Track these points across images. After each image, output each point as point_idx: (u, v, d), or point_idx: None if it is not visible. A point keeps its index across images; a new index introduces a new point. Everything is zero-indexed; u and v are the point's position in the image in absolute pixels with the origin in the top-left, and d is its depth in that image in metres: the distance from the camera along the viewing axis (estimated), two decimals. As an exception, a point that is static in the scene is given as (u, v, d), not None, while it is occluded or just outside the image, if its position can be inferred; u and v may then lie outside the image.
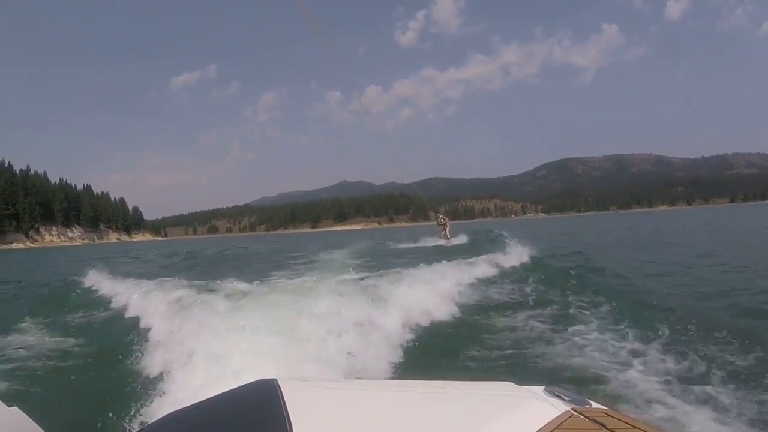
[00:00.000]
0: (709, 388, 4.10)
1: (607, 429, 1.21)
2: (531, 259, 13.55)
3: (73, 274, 13.45)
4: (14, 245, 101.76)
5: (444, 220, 27.07)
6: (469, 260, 12.58)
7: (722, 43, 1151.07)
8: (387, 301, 6.94)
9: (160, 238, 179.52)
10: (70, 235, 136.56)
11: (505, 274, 11.38)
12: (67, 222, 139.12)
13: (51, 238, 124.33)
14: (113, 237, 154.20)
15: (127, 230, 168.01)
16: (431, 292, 7.97)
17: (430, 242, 25.51)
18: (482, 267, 11.76)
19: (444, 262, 11.94)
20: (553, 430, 1.21)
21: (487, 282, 10.31)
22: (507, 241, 16.04)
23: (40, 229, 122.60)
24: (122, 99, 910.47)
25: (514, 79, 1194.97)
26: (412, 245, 24.97)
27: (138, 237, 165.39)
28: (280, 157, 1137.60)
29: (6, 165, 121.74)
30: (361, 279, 9.53)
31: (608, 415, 1.32)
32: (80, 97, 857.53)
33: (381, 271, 10.93)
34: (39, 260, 39.73)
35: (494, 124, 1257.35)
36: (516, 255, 13.91)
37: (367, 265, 14.73)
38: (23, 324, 7.90)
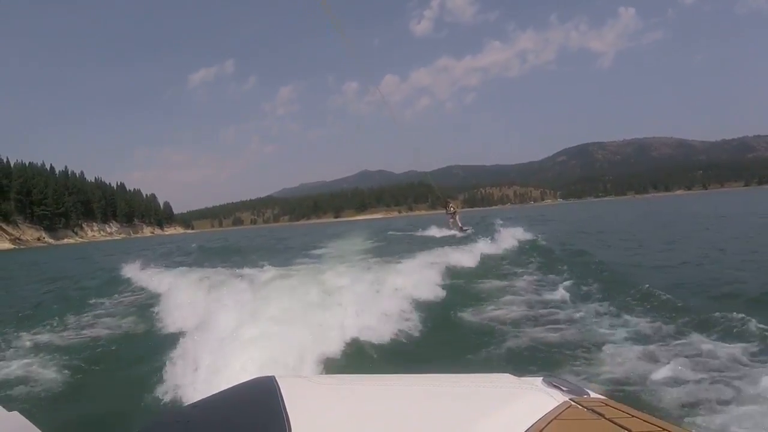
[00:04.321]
0: (709, 377, 4.05)
1: (605, 418, 1.22)
2: (523, 246, 13.87)
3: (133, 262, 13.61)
4: (65, 241, 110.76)
5: (453, 208, 25.96)
6: (459, 248, 12.77)
7: (742, 24, 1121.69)
8: (380, 293, 6.96)
9: (190, 231, 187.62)
10: (109, 230, 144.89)
11: (495, 263, 11.49)
12: (105, 218, 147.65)
13: (93, 233, 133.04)
14: (147, 231, 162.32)
15: (160, 224, 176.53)
16: (423, 283, 8.02)
17: (434, 232, 24.45)
18: (471, 255, 11.76)
19: (435, 250, 12.13)
20: (552, 420, 1.22)
21: (479, 270, 10.42)
22: (499, 229, 16.53)
23: (84, 226, 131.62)
24: (140, 97, 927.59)
25: (531, 66, 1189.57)
26: (413, 234, 24.99)
27: (170, 230, 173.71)
28: (299, 149, 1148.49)
29: (48, 167, 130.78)
30: (355, 269, 9.58)
31: (606, 405, 1.33)
32: (97, 96, 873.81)
33: (377, 260, 11.31)
34: (102, 252, 40.46)
35: (513, 111, 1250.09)
36: (504, 242, 14.23)
37: (365, 256, 14.54)
38: (37, 326, 7.66)
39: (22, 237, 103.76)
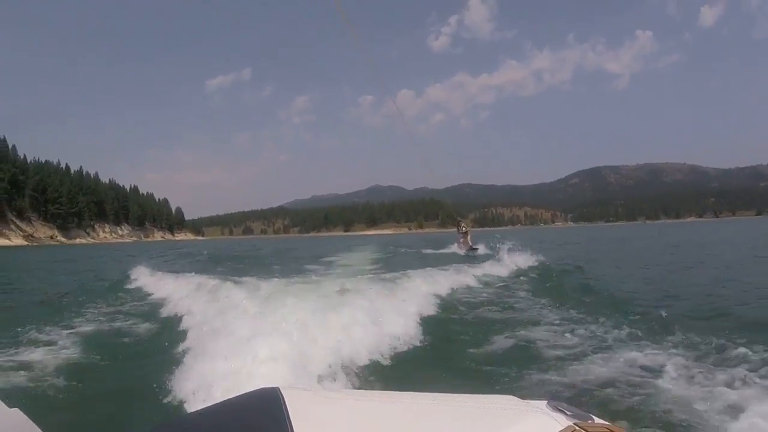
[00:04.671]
0: (714, 406, 3.97)
1: None
2: (529, 268, 13.89)
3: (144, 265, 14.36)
4: (77, 240, 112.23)
5: (465, 228, 26.34)
6: (466, 268, 12.87)
7: (758, 50, 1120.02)
8: (385, 310, 6.97)
9: (200, 238, 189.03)
10: (120, 232, 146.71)
11: (500, 283, 11.56)
12: (117, 220, 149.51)
13: (104, 235, 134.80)
14: (158, 235, 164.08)
15: (170, 229, 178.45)
16: (428, 302, 8.08)
17: (446, 250, 25.25)
18: (478, 275, 11.90)
19: (443, 269, 12.22)
20: None
21: (486, 291, 10.49)
22: (505, 250, 16.37)
23: (96, 227, 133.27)
24: (157, 100, 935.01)
25: (546, 85, 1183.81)
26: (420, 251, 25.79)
27: (180, 236, 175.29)
28: (312, 159, 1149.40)
29: (63, 166, 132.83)
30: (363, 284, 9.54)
31: (610, 430, 1.32)
32: (116, 95, 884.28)
33: (383, 276, 11.28)
34: (115, 253, 40.90)
35: (527, 131, 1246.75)
36: (511, 265, 14.28)
37: (373, 271, 14.72)
38: (39, 325, 7.51)
39: (35, 234, 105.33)
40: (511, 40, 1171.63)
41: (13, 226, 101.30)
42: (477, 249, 23.13)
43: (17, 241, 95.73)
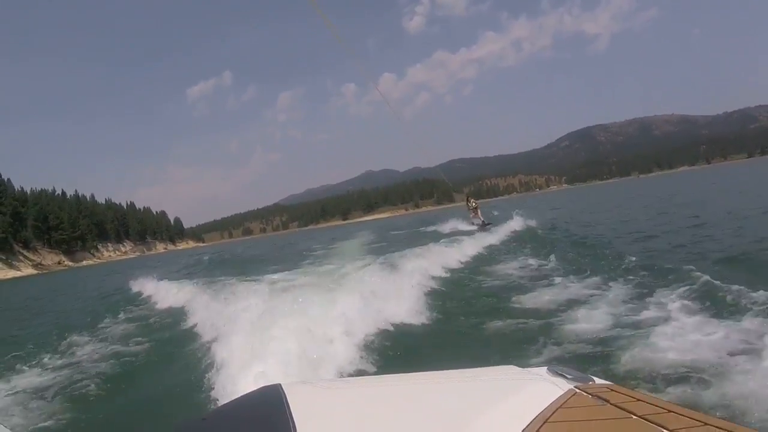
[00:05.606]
0: (716, 356, 3.97)
1: (610, 404, 1.24)
2: (521, 234, 14.07)
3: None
4: (84, 263, 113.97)
5: (474, 203, 26.36)
6: (453, 241, 13.11)
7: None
8: (380, 294, 6.92)
9: (201, 244, 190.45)
10: (123, 249, 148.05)
11: (487, 253, 11.75)
12: (119, 238, 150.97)
13: (108, 253, 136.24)
14: (160, 247, 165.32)
15: (172, 240, 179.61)
16: (423, 281, 8.10)
17: (451, 226, 25.00)
18: (471, 249, 12.01)
19: (430, 245, 12.43)
20: (558, 408, 1.23)
21: (481, 263, 10.56)
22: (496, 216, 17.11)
23: (99, 247, 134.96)
24: (141, 115, 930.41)
25: (527, 53, 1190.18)
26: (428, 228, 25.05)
27: (182, 245, 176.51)
28: (303, 154, 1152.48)
29: (60, 193, 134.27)
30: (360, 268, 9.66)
31: (612, 390, 1.34)
32: (103, 117, 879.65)
33: (380, 258, 11.42)
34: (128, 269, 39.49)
35: (513, 100, 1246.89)
36: (507, 232, 14.46)
37: (369, 254, 14.98)
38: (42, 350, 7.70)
39: (42, 262, 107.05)
40: (487, 13, 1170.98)
41: (21, 257, 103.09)
42: (490, 225, 22.28)
43: (27, 271, 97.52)
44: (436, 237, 18.81)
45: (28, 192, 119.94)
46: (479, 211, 25.59)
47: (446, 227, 25.45)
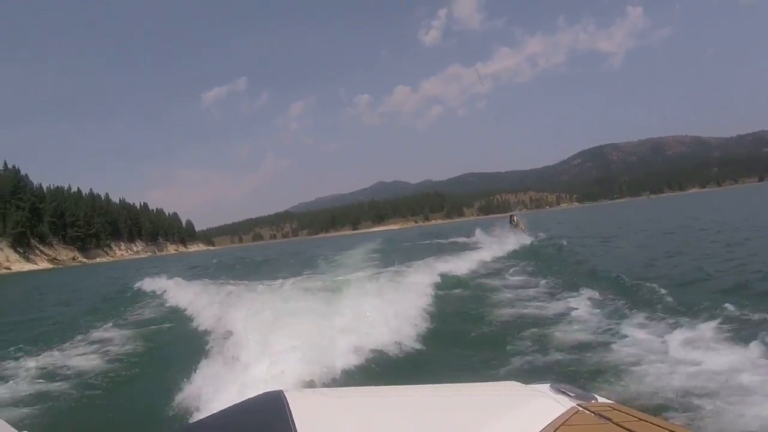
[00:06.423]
0: (716, 380, 3.95)
1: (613, 423, 1.22)
2: (524, 252, 13.98)
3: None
4: (98, 260, 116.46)
5: (516, 220, 27.43)
6: (457, 255, 12.98)
7: (748, 14, 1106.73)
8: (387, 303, 6.89)
9: (212, 248, 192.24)
10: (135, 249, 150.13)
11: (493, 267, 11.58)
12: (131, 237, 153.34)
13: (121, 252, 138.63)
14: (172, 249, 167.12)
15: (183, 242, 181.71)
16: (428, 292, 8.05)
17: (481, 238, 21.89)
18: (467, 263, 11.91)
19: (442, 257, 12.34)
20: (560, 425, 1.22)
21: (486, 277, 10.43)
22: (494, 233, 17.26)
23: (112, 245, 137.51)
24: (156, 117, 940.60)
25: (541, 70, 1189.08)
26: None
27: (193, 247, 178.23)
28: (314, 162, 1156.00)
29: (76, 190, 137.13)
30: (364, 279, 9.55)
31: (614, 409, 1.33)
32: (119, 119, 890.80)
33: (384, 270, 11.36)
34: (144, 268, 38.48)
35: (526, 116, 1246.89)
36: (510, 247, 14.42)
37: (372, 265, 14.72)
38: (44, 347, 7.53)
39: (58, 257, 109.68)
40: (502, 28, 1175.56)
41: (37, 251, 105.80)
42: (532, 238, 20.98)
43: (43, 264, 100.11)
44: (449, 248, 18.69)
45: (45, 189, 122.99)
46: (522, 225, 26.37)
47: (463, 239, 24.81)
